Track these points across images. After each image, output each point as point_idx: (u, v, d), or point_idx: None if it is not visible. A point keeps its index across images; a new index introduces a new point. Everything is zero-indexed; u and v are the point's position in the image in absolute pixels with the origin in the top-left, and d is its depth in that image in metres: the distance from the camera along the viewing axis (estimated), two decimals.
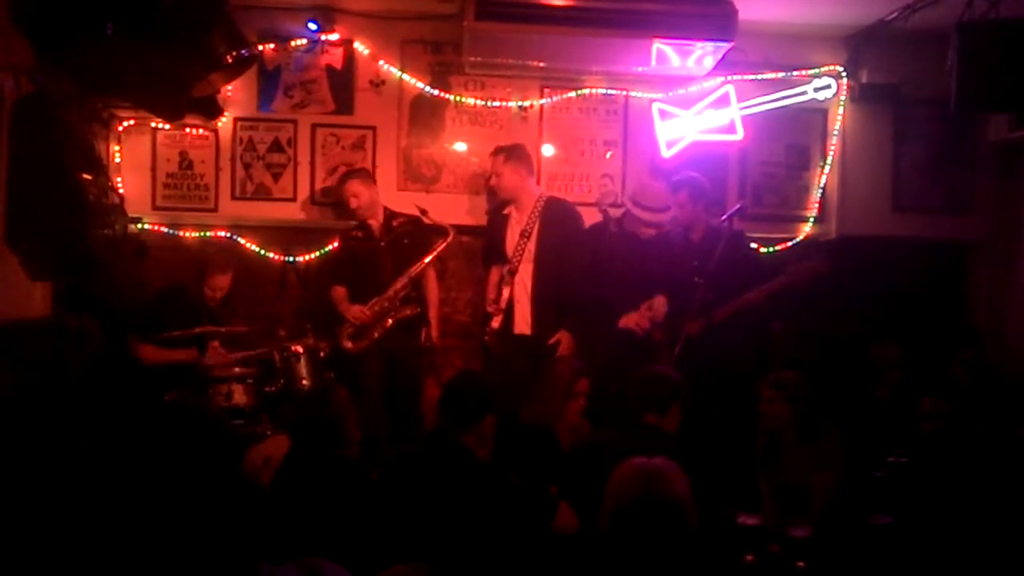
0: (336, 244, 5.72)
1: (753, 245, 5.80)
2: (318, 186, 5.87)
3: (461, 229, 5.59)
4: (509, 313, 5.37)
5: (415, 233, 5.47)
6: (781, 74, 5.94)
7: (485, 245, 5.72)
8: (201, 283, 5.21)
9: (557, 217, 5.41)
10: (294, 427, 3.77)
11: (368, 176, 5.58)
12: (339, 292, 5.48)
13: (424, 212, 5.39)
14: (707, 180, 5.44)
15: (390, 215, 5.51)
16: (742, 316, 5.08)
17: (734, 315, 5.07)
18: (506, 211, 5.53)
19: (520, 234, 5.38)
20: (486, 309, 5.52)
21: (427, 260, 5.40)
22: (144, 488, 1.46)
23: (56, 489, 2.70)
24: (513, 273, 5.37)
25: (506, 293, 5.37)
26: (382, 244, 5.41)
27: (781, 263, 5.44)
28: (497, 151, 5.50)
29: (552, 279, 5.31)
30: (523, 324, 5.35)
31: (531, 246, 5.35)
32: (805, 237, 6.07)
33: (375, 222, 5.46)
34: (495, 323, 5.39)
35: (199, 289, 5.23)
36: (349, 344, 5.34)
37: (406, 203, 5.58)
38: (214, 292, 5.22)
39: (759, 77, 5.91)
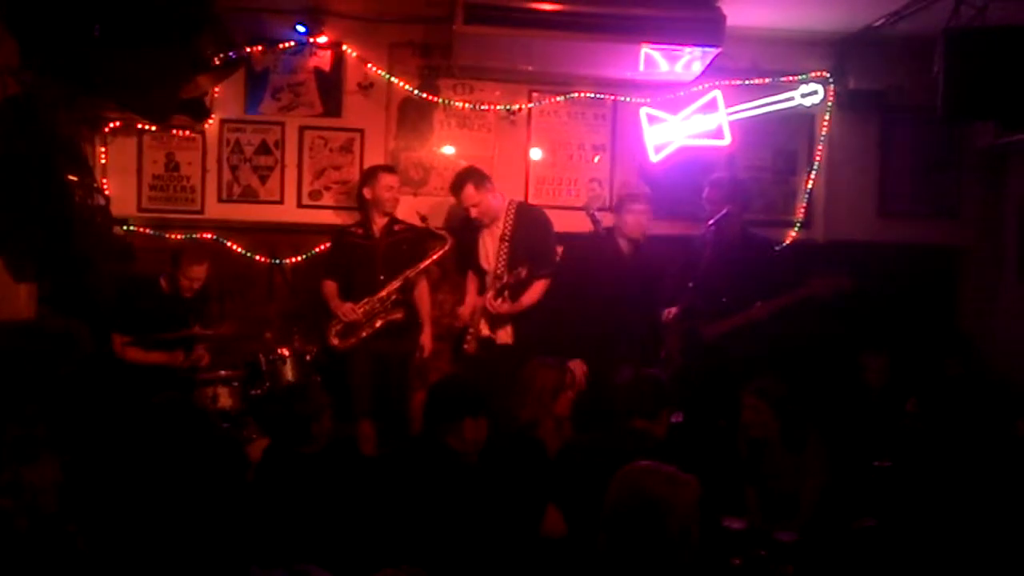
0: (329, 243, 5.66)
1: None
2: (305, 189, 5.85)
3: (450, 232, 5.55)
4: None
5: (414, 240, 5.46)
6: (768, 80, 5.96)
7: (457, 257, 5.58)
8: (177, 273, 5.12)
9: (529, 219, 5.36)
10: (270, 425, 3.76)
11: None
12: (330, 287, 5.44)
13: (425, 219, 5.39)
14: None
15: (393, 220, 5.48)
16: (748, 327, 5.04)
17: (733, 331, 5.03)
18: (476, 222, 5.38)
19: (499, 239, 5.30)
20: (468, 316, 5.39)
21: (424, 264, 5.39)
22: (138, 488, 1.45)
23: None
24: (501, 278, 5.30)
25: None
26: (380, 245, 5.39)
27: (792, 273, 5.28)
28: (458, 183, 5.27)
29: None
30: (504, 335, 5.28)
31: (510, 249, 5.26)
32: (791, 242, 6.08)
33: (377, 223, 5.42)
34: (484, 329, 5.31)
35: (175, 280, 5.14)
36: (336, 341, 5.32)
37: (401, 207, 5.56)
38: (191, 282, 5.12)
39: (747, 82, 5.94)
